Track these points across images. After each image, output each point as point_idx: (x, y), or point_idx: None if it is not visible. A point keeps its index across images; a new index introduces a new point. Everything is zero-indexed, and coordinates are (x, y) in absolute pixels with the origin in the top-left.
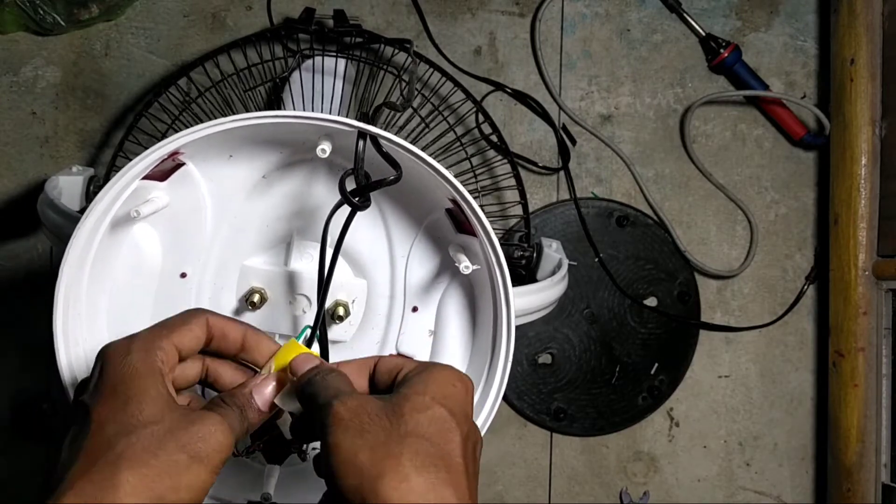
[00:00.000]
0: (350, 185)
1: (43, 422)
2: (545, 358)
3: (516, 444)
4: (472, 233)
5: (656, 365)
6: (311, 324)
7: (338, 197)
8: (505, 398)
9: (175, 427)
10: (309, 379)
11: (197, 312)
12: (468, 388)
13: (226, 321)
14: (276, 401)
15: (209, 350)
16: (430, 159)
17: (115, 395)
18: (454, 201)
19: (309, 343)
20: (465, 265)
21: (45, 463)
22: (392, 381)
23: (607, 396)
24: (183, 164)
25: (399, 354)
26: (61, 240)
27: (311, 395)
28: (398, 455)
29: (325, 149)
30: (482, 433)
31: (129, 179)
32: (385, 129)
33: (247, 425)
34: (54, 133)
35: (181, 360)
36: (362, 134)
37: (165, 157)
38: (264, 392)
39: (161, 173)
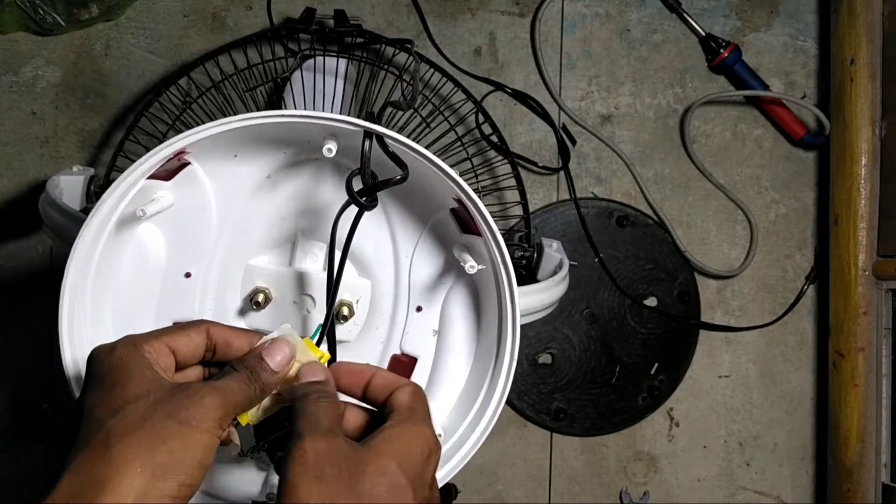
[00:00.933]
0: (356, 184)
1: (43, 422)
2: (545, 358)
3: (516, 444)
4: (477, 233)
5: (656, 365)
6: (320, 323)
7: (343, 196)
8: None
9: (161, 399)
10: (302, 395)
11: (196, 321)
12: (435, 456)
13: (229, 331)
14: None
15: (216, 361)
16: (436, 159)
17: (103, 385)
18: (459, 201)
19: (318, 342)
20: (471, 265)
21: (45, 463)
22: (384, 399)
23: (607, 396)
24: (188, 163)
25: (403, 354)
26: (63, 239)
27: (294, 413)
28: None
29: (331, 148)
30: (487, 432)
31: (135, 178)
32: (387, 129)
33: (260, 385)
34: (54, 133)
35: (180, 366)
36: (368, 133)
37: (171, 156)
38: (275, 354)
39: (166, 173)
